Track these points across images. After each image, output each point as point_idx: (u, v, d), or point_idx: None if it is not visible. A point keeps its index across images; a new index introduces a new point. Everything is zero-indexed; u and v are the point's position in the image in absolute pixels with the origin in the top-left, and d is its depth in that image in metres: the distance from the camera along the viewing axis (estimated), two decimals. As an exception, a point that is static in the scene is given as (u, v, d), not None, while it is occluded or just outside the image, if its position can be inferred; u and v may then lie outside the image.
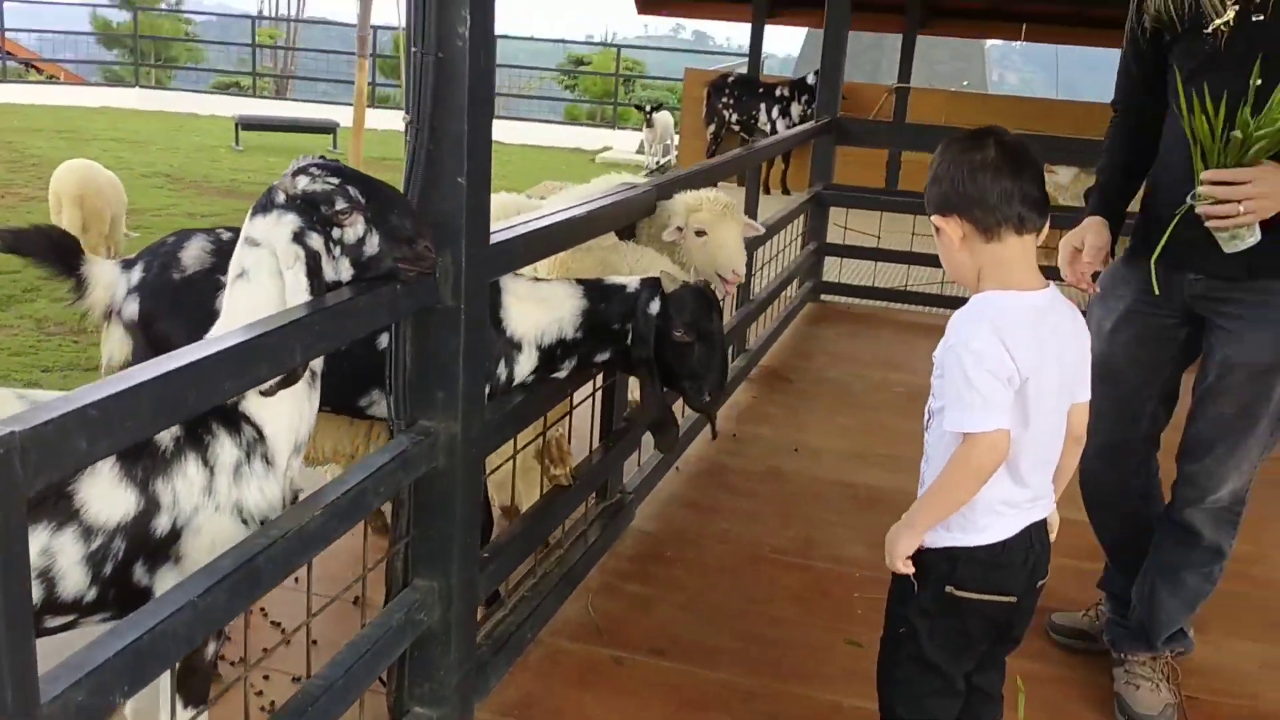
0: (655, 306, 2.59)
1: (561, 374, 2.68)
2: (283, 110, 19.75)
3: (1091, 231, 2.60)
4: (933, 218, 1.97)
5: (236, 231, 2.61)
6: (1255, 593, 3.37)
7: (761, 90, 11.40)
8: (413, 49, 1.98)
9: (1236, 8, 2.30)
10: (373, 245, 1.92)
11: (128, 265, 2.53)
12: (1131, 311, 2.63)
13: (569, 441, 3.05)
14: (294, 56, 27.21)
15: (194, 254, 2.52)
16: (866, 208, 6.69)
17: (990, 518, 1.92)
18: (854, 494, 3.96)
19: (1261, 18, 2.28)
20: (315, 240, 1.87)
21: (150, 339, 2.45)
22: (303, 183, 1.89)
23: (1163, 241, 2.42)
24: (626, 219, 3.30)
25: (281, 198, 1.88)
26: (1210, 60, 2.36)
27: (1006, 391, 1.85)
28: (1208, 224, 2.30)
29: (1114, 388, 2.63)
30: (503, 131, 19.01)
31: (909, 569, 1.94)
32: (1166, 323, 2.60)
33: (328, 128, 16.12)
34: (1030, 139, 2.06)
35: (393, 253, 1.92)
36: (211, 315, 2.50)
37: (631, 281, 2.66)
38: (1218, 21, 2.33)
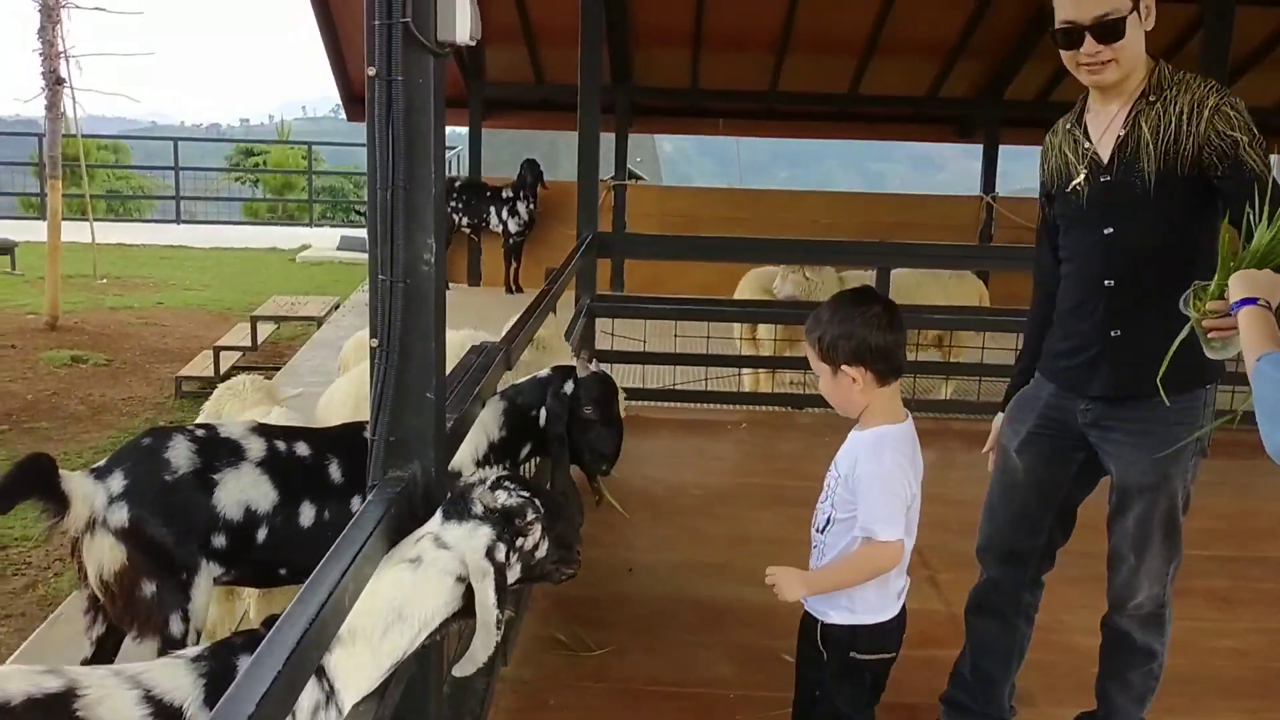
0: (569, 386, 2.98)
1: None
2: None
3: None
4: (842, 367, 2.46)
5: (208, 429, 2.56)
6: (1063, 659, 3.68)
7: (489, 193, 11.56)
8: (380, 276, 2.02)
9: (1086, 172, 2.72)
10: (543, 550, 2.09)
11: (101, 473, 2.49)
12: (1034, 434, 2.92)
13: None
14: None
15: (182, 454, 2.50)
16: (633, 316, 7.00)
17: (893, 603, 2.58)
18: (700, 610, 4.14)
19: (1108, 178, 2.70)
20: (501, 553, 1.98)
21: (142, 545, 2.44)
22: (501, 497, 2.04)
23: (1165, 362, 2.40)
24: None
25: (479, 509, 2.00)
26: (1076, 214, 2.77)
27: (903, 508, 2.45)
28: (1210, 335, 2.33)
29: (1017, 503, 2.97)
30: (187, 236, 18.13)
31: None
32: (1063, 445, 2.89)
33: (5, 248, 14.75)
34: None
35: (553, 557, 2.10)
36: (202, 516, 2.49)
37: (544, 372, 3.02)
38: (1075, 182, 2.75)
